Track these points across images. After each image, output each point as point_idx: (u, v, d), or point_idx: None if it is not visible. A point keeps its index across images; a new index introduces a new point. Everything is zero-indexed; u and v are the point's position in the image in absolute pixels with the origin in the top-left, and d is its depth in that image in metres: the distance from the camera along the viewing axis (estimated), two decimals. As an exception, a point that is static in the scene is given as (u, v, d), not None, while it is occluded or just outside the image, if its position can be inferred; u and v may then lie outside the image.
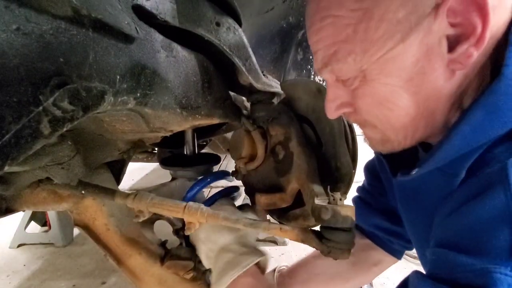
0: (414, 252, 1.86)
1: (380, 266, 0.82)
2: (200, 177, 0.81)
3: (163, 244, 0.77)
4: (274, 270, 0.88)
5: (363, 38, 0.40)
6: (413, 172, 0.48)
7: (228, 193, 0.82)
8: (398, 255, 0.81)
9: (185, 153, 0.84)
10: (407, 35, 0.38)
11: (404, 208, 0.65)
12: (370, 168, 0.81)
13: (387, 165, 0.58)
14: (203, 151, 1.31)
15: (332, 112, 0.49)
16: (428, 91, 0.41)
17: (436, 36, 0.38)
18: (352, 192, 0.77)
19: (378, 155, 0.59)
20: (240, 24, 0.60)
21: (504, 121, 0.38)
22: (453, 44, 0.38)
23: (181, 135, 0.84)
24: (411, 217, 0.63)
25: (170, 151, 1.00)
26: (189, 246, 0.74)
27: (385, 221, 0.77)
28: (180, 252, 0.72)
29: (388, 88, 0.42)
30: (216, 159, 0.87)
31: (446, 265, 0.41)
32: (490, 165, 0.40)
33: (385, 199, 0.76)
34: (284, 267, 0.89)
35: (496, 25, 0.38)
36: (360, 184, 0.87)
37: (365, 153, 0.80)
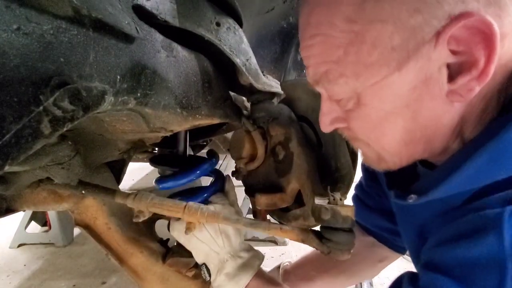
0: (414, 252, 1.86)
1: (385, 261, 0.83)
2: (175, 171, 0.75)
3: (164, 242, 0.77)
4: (279, 266, 0.88)
5: (355, 61, 0.38)
6: (410, 201, 0.47)
7: (219, 186, 0.79)
8: (402, 251, 0.81)
9: (176, 152, 0.83)
10: (404, 62, 0.36)
11: (399, 220, 0.65)
12: (368, 168, 0.79)
13: (383, 177, 0.57)
14: (203, 151, 1.30)
15: (326, 126, 0.49)
16: (425, 120, 0.40)
17: (436, 64, 0.36)
18: (352, 192, 0.77)
19: None
20: (240, 24, 0.60)
21: (508, 168, 0.37)
22: (454, 73, 0.36)
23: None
24: (405, 230, 0.63)
25: (170, 151, 1.00)
26: None
27: (386, 221, 0.76)
28: (182, 249, 0.72)
29: (382, 114, 0.41)
30: (207, 159, 0.85)
31: None
32: (488, 204, 0.39)
33: (384, 199, 0.76)
34: (287, 263, 0.89)
35: (507, 54, 0.35)
36: (360, 184, 0.86)
37: (365, 153, 0.80)
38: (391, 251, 0.80)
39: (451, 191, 0.42)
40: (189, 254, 0.71)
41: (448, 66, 0.36)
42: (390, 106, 0.40)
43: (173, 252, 0.73)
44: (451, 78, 0.37)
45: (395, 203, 0.64)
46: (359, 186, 0.84)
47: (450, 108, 0.39)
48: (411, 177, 0.51)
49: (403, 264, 1.80)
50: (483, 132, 0.39)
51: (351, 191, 0.75)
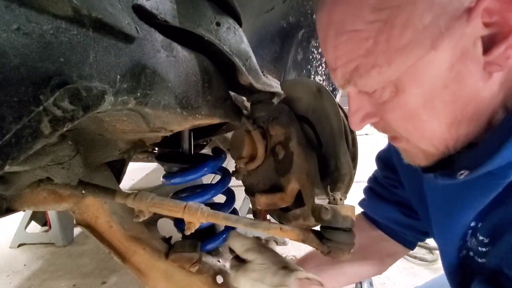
0: (414, 252, 1.86)
1: (394, 256, 0.82)
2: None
3: (167, 240, 0.78)
4: None
5: (386, 48, 0.38)
6: (461, 177, 0.44)
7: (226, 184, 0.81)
8: (411, 246, 0.80)
9: (181, 150, 0.83)
10: (438, 40, 0.36)
11: (435, 205, 0.61)
12: (384, 159, 0.78)
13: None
14: (203, 151, 1.31)
15: (357, 124, 0.47)
16: (466, 98, 0.39)
17: (470, 39, 0.36)
18: (352, 192, 0.77)
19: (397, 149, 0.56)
20: (240, 24, 0.60)
21: None
22: (488, 45, 0.36)
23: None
24: (443, 218, 0.59)
25: (170, 151, 1.00)
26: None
27: (399, 214, 0.75)
28: (185, 245, 0.72)
29: (420, 100, 0.40)
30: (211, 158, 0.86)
31: None
32: None
33: (399, 191, 0.74)
34: (292, 258, 0.88)
35: None
36: (360, 184, 0.86)
37: (365, 153, 0.80)
38: (399, 246, 0.79)
39: (508, 158, 0.40)
40: (192, 249, 0.71)
41: (482, 38, 0.36)
42: (428, 89, 0.39)
43: (176, 248, 0.73)
44: (486, 50, 0.36)
45: (433, 187, 0.60)
46: (372, 179, 0.83)
47: (489, 80, 0.38)
48: (444, 160, 0.49)
49: (403, 264, 1.80)
50: None
51: (352, 191, 0.75)
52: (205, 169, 0.75)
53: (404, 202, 0.74)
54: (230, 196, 0.86)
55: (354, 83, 0.43)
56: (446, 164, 0.48)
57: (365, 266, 0.80)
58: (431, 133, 0.43)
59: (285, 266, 0.61)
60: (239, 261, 0.64)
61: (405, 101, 0.41)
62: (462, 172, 0.44)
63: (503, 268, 0.44)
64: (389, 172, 0.77)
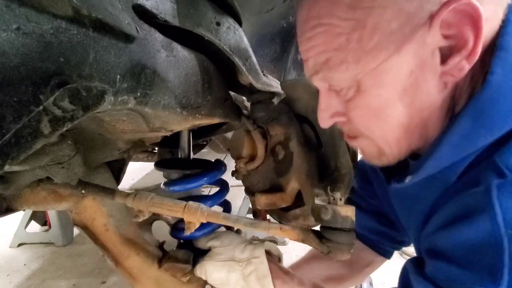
0: (413, 252, 1.86)
1: (372, 266, 0.85)
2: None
3: (161, 245, 0.78)
4: None
5: (356, 47, 0.40)
6: (406, 181, 0.48)
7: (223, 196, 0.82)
8: (388, 255, 0.83)
9: (180, 156, 0.84)
10: (401, 46, 0.38)
11: (401, 212, 0.66)
12: (360, 171, 0.81)
13: (381, 173, 0.58)
14: (203, 151, 1.31)
15: (325, 121, 0.49)
16: (421, 103, 0.42)
17: (430, 48, 0.38)
18: (352, 192, 0.78)
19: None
20: (240, 24, 0.60)
21: (491, 128, 0.38)
22: (445, 56, 0.39)
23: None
24: (408, 219, 0.64)
25: (169, 151, 1.00)
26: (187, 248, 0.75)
27: (375, 223, 0.78)
28: (178, 254, 0.72)
29: (382, 100, 0.42)
30: (210, 165, 0.87)
31: (444, 277, 0.43)
32: (477, 177, 0.41)
33: (375, 201, 0.77)
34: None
35: (487, 35, 0.38)
36: (360, 184, 0.87)
37: (365, 153, 0.80)
38: (377, 255, 0.82)
39: (441, 164, 0.43)
40: (185, 260, 0.71)
41: (440, 49, 0.39)
42: (389, 92, 0.41)
43: (169, 257, 0.73)
44: (443, 60, 0.39)
45: (396, 194, 0.64)
46: (351, 190, 0.85)
47: (444, 89, 0.41)
48: (405, 172, 0.53)
49: (403, 263, 1.80)
50: (464, 107, 0.40)
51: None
52: (204, 178, 0.77)
53: (380, 212, 0.77)
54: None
55: (323, 76, 0.45)
56: (402, 173, 0.51)
57: (345, 277, 0.83)
58: (389, 132, 0.45)
59: (250, 242, 0.68)
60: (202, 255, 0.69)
61: (366, 100, 0.44)
62: (408, 177, 0.48)
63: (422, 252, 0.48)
64: (365, 184, 0.80)
